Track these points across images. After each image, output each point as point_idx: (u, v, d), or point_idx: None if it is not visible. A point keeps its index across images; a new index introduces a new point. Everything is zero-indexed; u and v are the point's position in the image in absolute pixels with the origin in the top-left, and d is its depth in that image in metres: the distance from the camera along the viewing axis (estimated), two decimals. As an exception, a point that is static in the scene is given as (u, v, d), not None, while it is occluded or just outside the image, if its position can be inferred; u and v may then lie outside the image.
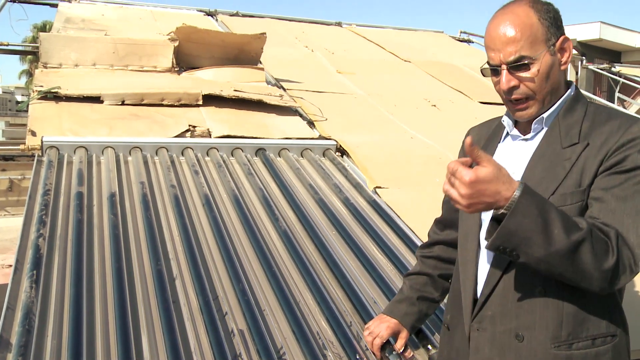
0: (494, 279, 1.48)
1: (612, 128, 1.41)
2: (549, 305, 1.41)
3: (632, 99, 13.60)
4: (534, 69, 1.43)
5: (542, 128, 1.51)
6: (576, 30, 19.16)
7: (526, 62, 1.43)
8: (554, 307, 1.40)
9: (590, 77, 14.37)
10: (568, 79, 1.55)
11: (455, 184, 1.29)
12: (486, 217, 1.52)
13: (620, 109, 8.82)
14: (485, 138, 1.66)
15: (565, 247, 1.27)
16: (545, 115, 1.50)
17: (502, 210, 1.28)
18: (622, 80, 10.40)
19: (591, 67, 11.38)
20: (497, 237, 1.29)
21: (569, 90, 1.53)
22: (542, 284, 1.41)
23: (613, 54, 20.10)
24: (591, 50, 18.51)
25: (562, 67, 1.48)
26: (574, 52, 17.13)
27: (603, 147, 1.40)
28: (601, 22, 19.39)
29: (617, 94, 10.82)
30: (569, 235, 1.27)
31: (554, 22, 1.45)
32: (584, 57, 13.47)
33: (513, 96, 1.47)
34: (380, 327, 1.83)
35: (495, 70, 1.49)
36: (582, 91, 8.42)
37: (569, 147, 1.43)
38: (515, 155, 1.54)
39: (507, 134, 1.59)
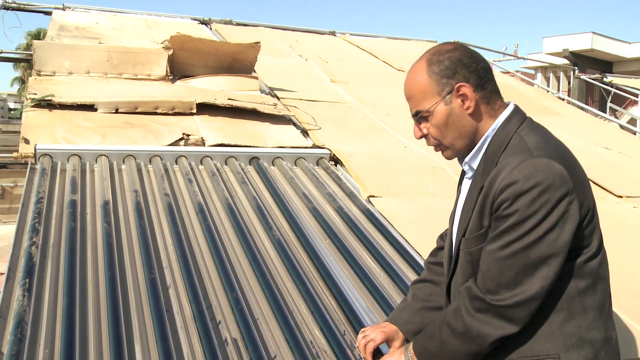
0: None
1: (503, 167, 1.45)
2: None
3: (623, 108, 13.69)
4: (431, 120, 1.56)
5: (474, 169, 1.58)
6: (568, 41, 19.34)
7: (424, 115, 1.56)
8: None
9: (583, 87, 14.48)
10: (510, 105, 1.58)
11: None
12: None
13: (612, 118, 8.88)
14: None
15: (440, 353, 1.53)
16: (466, 159, 1.59)
17: None
18: (613, 90, 10.48)
19: (583, 77, 11.47)
20: None
21: (495, 123, 1.55)
22: None
23: (605, 64, 20.27)
24: (583, 60, 18.65)
25: (468, 112, 1.53)
26: (566, 62, 17.25)
27: (493, 188, 1.45)
28: (593, 32, 19.58)
29: (609, 104, 10.91)
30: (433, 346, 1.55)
31: (444, 72, 1.52)
32: (576, 67, 13.57)
33: (428, 144, 1.63)
34: (375, 332, 1.82)
35: None
36: (576, 100, 8.42)
37: (482, 187, 1.52)
38: (465, 192, 1.64)
39: None
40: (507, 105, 1.58)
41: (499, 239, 1.43)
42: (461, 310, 1.49)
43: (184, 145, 3.47)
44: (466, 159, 1.59)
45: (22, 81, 34.21)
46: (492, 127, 1.54)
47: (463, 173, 1.71)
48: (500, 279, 1.42)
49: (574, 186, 1.41)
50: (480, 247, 1.50)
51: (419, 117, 1.57)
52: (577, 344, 1.46)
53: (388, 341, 1.82)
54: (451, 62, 1.52)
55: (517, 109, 1.58)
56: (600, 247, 1.52)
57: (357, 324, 2.07)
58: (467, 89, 1.51)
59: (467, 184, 1.64)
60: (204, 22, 6.65)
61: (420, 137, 1.62)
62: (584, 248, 1.47)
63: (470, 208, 1.54)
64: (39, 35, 26.72)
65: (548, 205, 1.38)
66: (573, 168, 1.46)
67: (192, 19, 6.71)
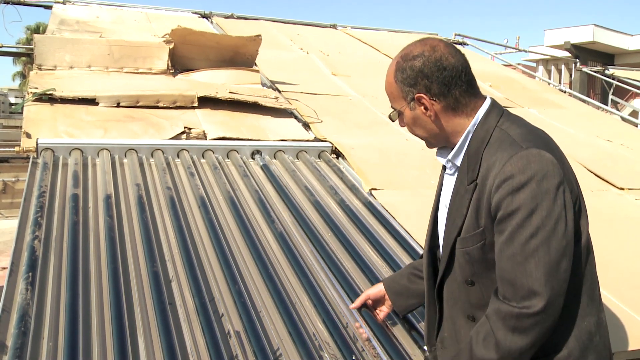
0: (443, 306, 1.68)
1: (494, 163, 1.45)
2: (472, 328, 1.54)
3: (625, 101, 13.67)
4: (405, 118, 1.62)
5: (457, 166, 1.59)
6: (570, 33, 19.27)
7: (398, 111, 1.62)
8: None
9: (584, 80, 14.45)
10: (486, 100, 1.57)
11: None
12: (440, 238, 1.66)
13: (614, 110, 8.86)
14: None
15: None
16: (449, 156, 1.60)
17: None
18: (615, 82, 10.45)
19: (585, 69, 11.44)
20: None
21: (474, 119, 1.55)
22: (471, 311, 1.59)
23: (606, 56, 20.21)
24: (585, 52, 18.60)
25: (431, 119, 1.56)
26: (568, 54, 17.21)
27: (487, 186, 1.45)
28: (594, 24, 19.51)
29: (610, 96, 10.88)
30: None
31: (407, 81, 1.54)
32: (577, 60, 13.54)
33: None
34: (371, 288, 2.08)
35: None
36: (573, 93, 8.39)
37: (471, 184, 1.51)
38: (448, 189, 1.64)
39: None
40: (483, 100, 1.58)
41: (514, 239, 1.39)
42: (497, 336, 1.41)
43: (186, 138, 3.47)
44: (449, 157, 1.60)
45: (23, 76, 34.18)
46: (472, 123, 1.55)
47: (443, 167, 1.71)
48: (530, 283, 1.37)
49: (564, 174, 1.42)
50: (478, 246, 1.50)
51: (395, 112, 1.63)
52: (575, 332, 1.47)
53: (379, 296, 2.04)
54: (412, 71, 1.53)
55: (493, 104, 1.58)
56: (588, 235, 1.54)
57: (360, 317, 2.08)
58: (426, 100, 1.53)
59: (449, 180, 1.64)
60: (204, 16, 6.64)
61: (403, 126, 1.67)
62: (576, 234, 1.47)
63: (462, 206, 1.52)
64: (39, 29, 26.68)
65: (549, 194, 1.38)
66: (560, 156, 1.47)
67: (192, 12, 6.70)
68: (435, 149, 1.68)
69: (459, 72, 1.53)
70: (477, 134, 1.53)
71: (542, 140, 1.48)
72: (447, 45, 1.56)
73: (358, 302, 2.07)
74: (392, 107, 1.64)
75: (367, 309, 2.07)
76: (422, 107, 1.55)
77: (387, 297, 2.02)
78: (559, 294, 1.38)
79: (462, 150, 1.57)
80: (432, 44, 1.54)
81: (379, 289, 2.05)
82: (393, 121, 1.67)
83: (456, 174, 1.59)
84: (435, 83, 1.52)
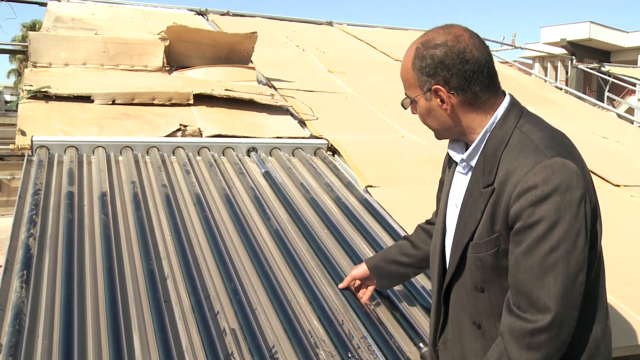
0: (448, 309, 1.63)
1: (515, 169, 1.38)
2: (478, 339, 1.53)
3: (621, 98, 13.69)
4: (418, 107, 1.53)
5: (470, 166, 1.52)
6: (566, 30, 19.31)
7: (410, 100, 1.54)
8: (488, 340, 1.50)
9: (580, 77, 14.46)
10: (506, 98, 1.50)
11: None
12: (448, 240, 1.60)
13: (610, 107, 8.88)
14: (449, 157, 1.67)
15: None
16: (464, 155, 1.53)
17: None
18: (611, 79, 10.47)
19: (581, 66, 11.45)
20: None
21: (492, 118, 1.48)
22: (477, 318, 1.53)
23: (602, 53, 20.25)
24: (581, 49, 18.63)
25: (447, 112, 1.49)
26: (564, 51, 17.22)
27: (505, 192, 1.38)
28: (591, 21, 19.57)
29: (606, 93, 10.90)
30: None
31: (425, 70, 1.46)
32: (573, 57, 13.55)
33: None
34: (356, 269, 2.13)
35: None
36: (572, 91, 8.41)
37: (487, 187, 1.44)
38: (459, 188, 1.57)
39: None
40: (503, 97, 1.51)
41: (533, 252, 1.34)
42: (510, 356, 1.36)
43: (181, 136, 3.47)
44: (464, 156, 1.52)
45: (19, 73, 34.09)
46: (490, 122, 1.47)
47: (449, 160, 1.65)
48: (547, 297, 1.32)
49: (585, 183, 1.37)
50: (492, 253, 1.44)
51: (409, 100, 1.55)
52: (583, 341, 1.44)
53: (364, 276, 2.10)
54: (432, 60, 1.44)
55: (513, 102, 1.51)
56: (600, 240, 1.48)
57: (355, 314, 2.08)
58: (443, 93, 1.46)
59: (460, 178, 1.57)
60: (200, 13, 6.63)
61: (415, 114, 1.59)
62: (591, 242, 1.41)
63: (477, 210, 1.46)
64: (34, 26, 26.60)
65: (572, 207, 1.32)
66: (581, 163, 1.41)
67: (188, 9, 6.68)
68: (435, 154, 1.64)
69: (482, 67, 1.44)
70: (495, 135, 1.46)
71: (565, 148, 1.41)
72: (472, 36, 1.46)
73: (345, 282, 2.17)
74: (405, 94, 1.55)
75: (352, 293, 2.16)
76: (439, 100, 1.47)
77: (370, 276, 2.10)
78: (574, 307, 1.34)
79: (478, 150, 1.49)
80: (456, 33, 1.45)
81: (363, 269, 2.09)
82: (405, 108, 1.58)
83: (469, 173, 1.52)
84: (456, 76, 1.43)
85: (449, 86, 1.45)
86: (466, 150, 1.53)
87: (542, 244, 1.33)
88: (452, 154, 1.58)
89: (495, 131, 1.47)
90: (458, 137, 1.55)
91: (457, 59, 1.43)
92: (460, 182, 1.57)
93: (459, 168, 1.58)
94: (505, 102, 1.49)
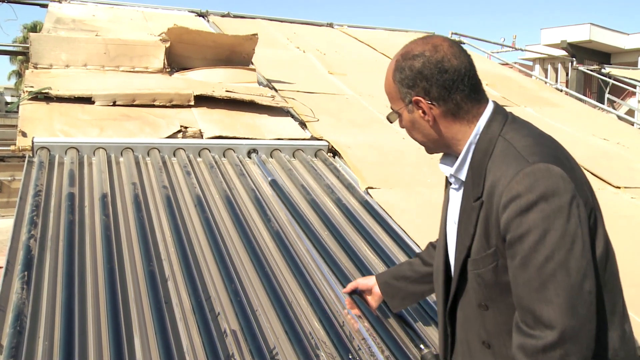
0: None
1: (499, 179, 1.34)
2: (488, 355, 1.48)
3: (621, 99, 13.69)
4: (403, 120, 1.53)
5: (461, 180, 1.49)
6: (566, 32, 19.31)
7: (395, 113, 1.54)
8: (498, 356, 1.46)
9: (581, 78, 14.47)
10: (489, 105, 1.46)
11: None
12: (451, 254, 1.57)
13: (611, 109, 8.88)
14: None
15: None
16: (452, 170, 1.50)
17: None
18: (611, 81, 10.48)
19: (581, 68, 11.47)
20: None
21: (476, 128, 1.44)
22: (486, 338, 1.48)
23: (603, 55, 20.26)
24: (581, 51, 18.64)
25: (429, 124, 1.47)
26: (564, 53, 17.21)
27: (494, 204, 1.35)
28: (591, 23, 19.56)
29: (607, 95, 10.90)
30: None
31: (405, 81, 1.45)
32: (574, 59, 13.56)
33: None
34: (363, 279, 2.12)
35: None
36: (574, 92, 8.40)
37: (476, 201, 1.41)
38: (455, 204, 1.53)
39: None
40: (487, 105, 1.47)
41: (528, 264, 1.28)
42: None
43: (182, 137, 3.47)
44: (452, 171, 1.49)
45: (19, 74, 34.10)
46: (473, 133, 1.44)
47: (448, 182, 1.61)
48: (551, 310, 1.25)
49: (575, 186, 1.31)
50: (490, 268, 1.40)
51: (394, 114, 1.54)
52: (596, 350, 1.34)
53: (368, 288, 2.06)
54: (411, 71, 1.43)
55: (496, 109, 1.46)
56: (607, 241, 1.42)
57: (355, 315, 2.08)
58: (424, 105, 1.44)
59: (455, 195, 1.54)
60: (201, 15, 6.63)
61: (403, 127, 1.58)
62: (592, 246, 1.35)
63: (470, 225, 1.42)
64: (35, 28, 26.62)
65: (562, 213, 1.26)
66: (570, 167, 1.36)
67: (189, 11, 6.69)
68: (435, 155, 1.60)
69: (462, 76, 1.41)
70: (480, 145, 1.42)
71: (549, 151, 1.36)
72: (452, 45, 1.45)
73: (348, 288, 2.13)
74: (391, 108, 1.54)
75: (358, 298, 2.12)
76: (420, 111, 1.46)
77: (374, 291, 2.03)
78: (586, 319, 1.26)
79: (465, 163, 1.46)
80: (434, 43, 1.43)
81: (368, 282, 2.06)
82: (391, 122, 1.57)
83: (462, 189, 1.48)
84: (435, 86, 1.41)
85: (429, 97, 1.43)
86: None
87: (535, 255, 1.27)
88: (443, 168, 1.55)
89: (479, 142, 1.43)
90: (446, 150, 1.53)
91: (435, 68, 1.41)
92: (456, 198, 1.53)
93: (452, 185, 1.56)
94: (488, 110, 1.46)
